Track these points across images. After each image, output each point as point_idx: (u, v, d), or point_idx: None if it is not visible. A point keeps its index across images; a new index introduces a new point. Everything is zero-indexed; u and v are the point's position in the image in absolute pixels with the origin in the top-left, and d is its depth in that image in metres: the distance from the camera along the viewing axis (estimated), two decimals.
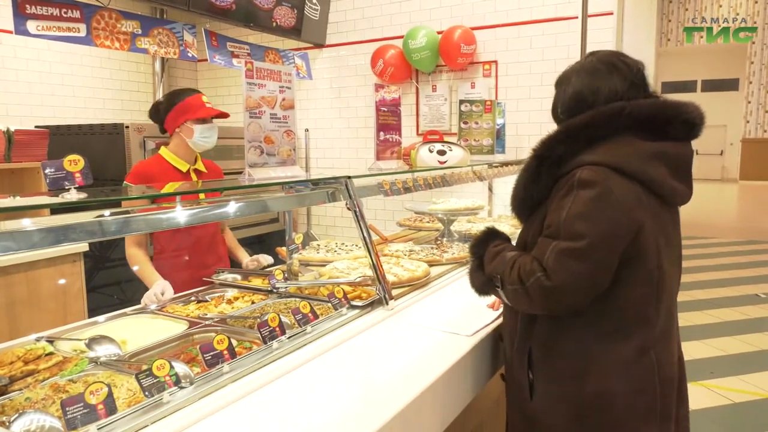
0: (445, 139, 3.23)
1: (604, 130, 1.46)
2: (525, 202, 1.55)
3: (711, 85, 18.12)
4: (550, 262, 1.36)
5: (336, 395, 1.36)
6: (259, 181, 1.93)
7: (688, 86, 17.95)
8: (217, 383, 1.36)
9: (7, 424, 1.09)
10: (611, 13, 4.27)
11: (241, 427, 1.21)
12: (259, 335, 1.56)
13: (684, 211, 1.66)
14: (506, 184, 4.33)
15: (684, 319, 4.93)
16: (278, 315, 1.62)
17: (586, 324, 1.45)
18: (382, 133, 2.77)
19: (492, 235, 1.66)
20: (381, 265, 2.04)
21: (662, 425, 1.48)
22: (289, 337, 1.61)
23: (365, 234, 2.04)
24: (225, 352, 1.43)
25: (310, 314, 1.73)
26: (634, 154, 1.44)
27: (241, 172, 1.92)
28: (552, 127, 1.58)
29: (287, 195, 2.05)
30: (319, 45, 5.64)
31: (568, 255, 1.35)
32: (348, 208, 2.09)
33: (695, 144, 1.54)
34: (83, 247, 3.44)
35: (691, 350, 4.30)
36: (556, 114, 1.62)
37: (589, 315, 1.44)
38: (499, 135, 4.01)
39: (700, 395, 3.62)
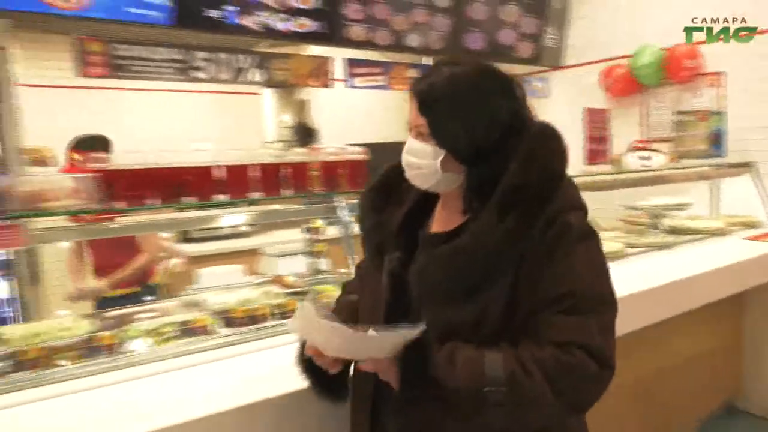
0: (654, 147, 3.83)
1: (556, 162, 1.18)
2: (495, 271, 1.12)
3: None
4: (601, 345, 1.06)
5: None
6: None
7: None
8: None
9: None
10: None
11: None
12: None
13: None
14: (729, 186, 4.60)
15: None
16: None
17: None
18: (591, 142, 3.53)
19: (424, 342, 1.07)
20: None
21: None
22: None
23: None
24: None
25: None
26: (575, 186, 1.21)
27: None
28: None
29: None
30: (556, 67, 6.35)
31: (609, 328, 1.10)
32: None
33: None
34: None
35: None
36: (456, 149, 1.17)
37: None
38: (717, 141, 4.41)
39: None
